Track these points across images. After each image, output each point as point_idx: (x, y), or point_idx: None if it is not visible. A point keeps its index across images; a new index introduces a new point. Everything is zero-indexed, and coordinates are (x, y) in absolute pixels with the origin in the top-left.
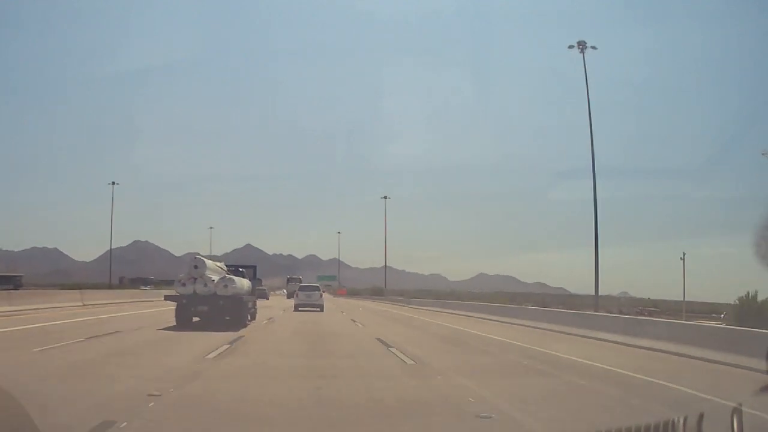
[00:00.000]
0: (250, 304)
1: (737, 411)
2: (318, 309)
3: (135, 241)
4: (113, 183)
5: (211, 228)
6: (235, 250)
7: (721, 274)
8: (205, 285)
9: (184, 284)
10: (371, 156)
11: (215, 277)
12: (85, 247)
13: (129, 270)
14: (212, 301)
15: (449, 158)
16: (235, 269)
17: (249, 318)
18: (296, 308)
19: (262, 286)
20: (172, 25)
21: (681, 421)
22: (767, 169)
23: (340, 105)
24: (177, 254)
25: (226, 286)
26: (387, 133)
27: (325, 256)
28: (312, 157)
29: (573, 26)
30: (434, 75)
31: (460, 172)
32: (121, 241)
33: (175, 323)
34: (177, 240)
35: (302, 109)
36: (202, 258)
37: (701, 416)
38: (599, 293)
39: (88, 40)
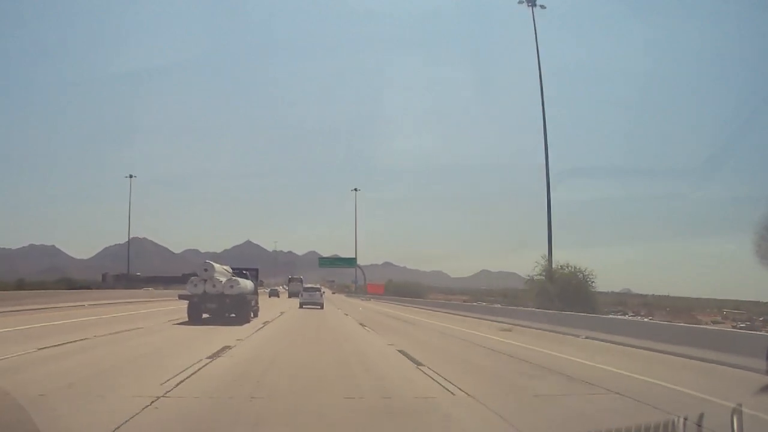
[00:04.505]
0: (253, 303)
1: (737, 411)
2: (318, 307)
3: (133, 238)
4: (130, 176)
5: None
6: (234, 246)
7: (720, 272)
8: (214, 286)
9: (195, 285)
10: (372, 152)
11: (222, 279)
12: (83, 244)
13: (126, 267)
14: (220, 299)
15: (451, 154)
16: (239, 271)
17: (252, 315)
18: (301, 306)
19: (267, 287)
20: (171, 21)
21: (681, 421)
22: (767, 169)
23: (341, 102)
24: (176, 251)
25: (232, 286)
26: (388, 130)
27: (325, 252)
28: (312, 154)
29: (573, 23)
30: (435, 73)
31: (462, 168)
32: (119, 238)
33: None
34: (176, 237)
35: (303, 106)
36: (211, 262)
37: (701, 416)
38: (601, 291)
39: (85, 38)
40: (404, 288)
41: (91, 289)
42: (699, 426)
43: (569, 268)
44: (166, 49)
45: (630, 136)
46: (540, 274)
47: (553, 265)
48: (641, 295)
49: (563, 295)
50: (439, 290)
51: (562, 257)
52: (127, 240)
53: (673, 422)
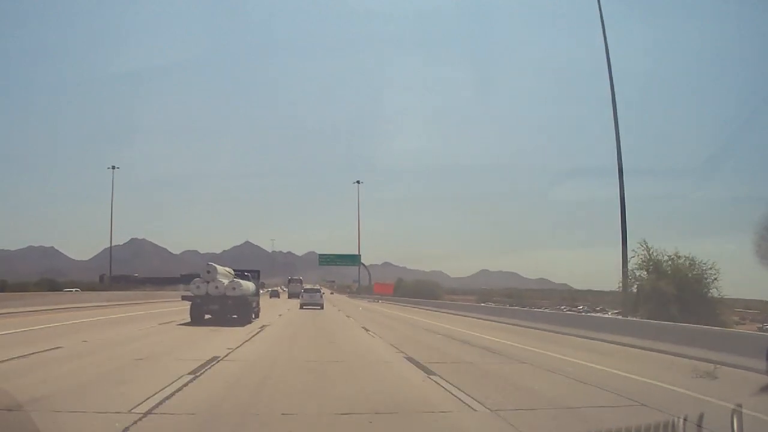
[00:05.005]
0: (254, 304)
1: (737, 411)
2: (319, 307)
3: (132, 239)
4: (113, 167)
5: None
6: (234, 247)
7: (720, 272)
8: (217, 287)
9: (198, 286)
10: (372, 153)
11: (225, 281)
12: (82, 245)
13: (126, 269)
14: (222, 301)
15: (451, 155)
16: (241, 273)
17: (253, 316)
18: (302, 307)
19: (266, 287)
20: (171, 21)
21: (681, 421)
22: (767, 169)
23: (341, 102)
24: (175, 252)
25: (234, 288)
26: (388, 130)
27: (324, 252)
28: (312, 154)
29: (573, 21)
30: (435, 73)
31: (462, 169)
32: (118, 239)
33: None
34: (175, 238)
35: (303, 106)
36: (214, 264)
37: (701, 416)
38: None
39: (85, 38)
40: (416, 288)
41: (83, 290)
42: (699, 426)
43: (682, 259)
44: (166, 49)
45: (630, 136)
46: (640, 267)
47: (658, 256)
48: None
49: (681, 299)
50: (443, 291)
51: (564, 257)
52: (125, 241)
53: (673, 422)
